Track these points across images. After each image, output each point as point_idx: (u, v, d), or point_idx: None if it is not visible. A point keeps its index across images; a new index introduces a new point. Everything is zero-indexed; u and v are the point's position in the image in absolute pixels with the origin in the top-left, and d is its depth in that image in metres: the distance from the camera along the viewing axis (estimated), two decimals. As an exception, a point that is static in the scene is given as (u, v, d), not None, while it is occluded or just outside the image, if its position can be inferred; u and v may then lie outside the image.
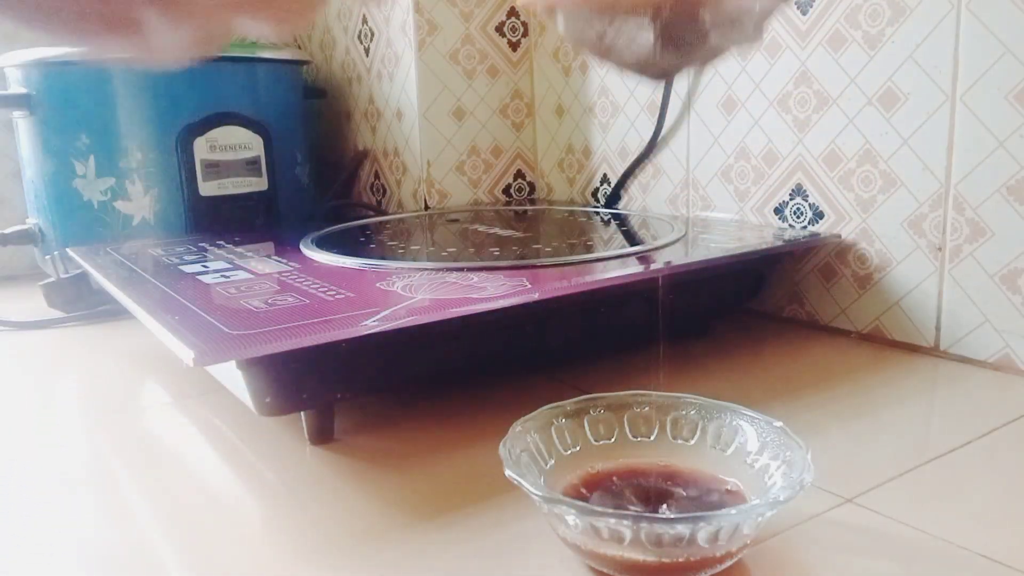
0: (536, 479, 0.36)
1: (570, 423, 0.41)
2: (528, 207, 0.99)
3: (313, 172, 1.04)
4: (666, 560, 0.32)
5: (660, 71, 0.28)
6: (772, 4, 0.27)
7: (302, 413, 0.49)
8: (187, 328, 0.45)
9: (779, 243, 0.66)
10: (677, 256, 0.61)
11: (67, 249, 0.77)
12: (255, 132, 0.93)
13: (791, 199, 0.71)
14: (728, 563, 0.34)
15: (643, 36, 0.26)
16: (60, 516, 0.43)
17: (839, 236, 0.68)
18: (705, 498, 0.38)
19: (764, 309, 0.75)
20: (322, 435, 0.50)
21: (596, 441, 0.41)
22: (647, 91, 0.84)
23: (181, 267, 0.64)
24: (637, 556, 0.33)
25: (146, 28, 0.16)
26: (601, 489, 0.39)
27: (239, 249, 0.71)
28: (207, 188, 0.90)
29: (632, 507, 0.37)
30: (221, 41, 0.18)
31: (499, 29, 0.99)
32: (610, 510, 0.33)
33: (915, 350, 0.64)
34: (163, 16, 0.16)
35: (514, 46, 1.00)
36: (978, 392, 0.55)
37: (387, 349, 0.49)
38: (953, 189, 0.59)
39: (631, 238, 0.75)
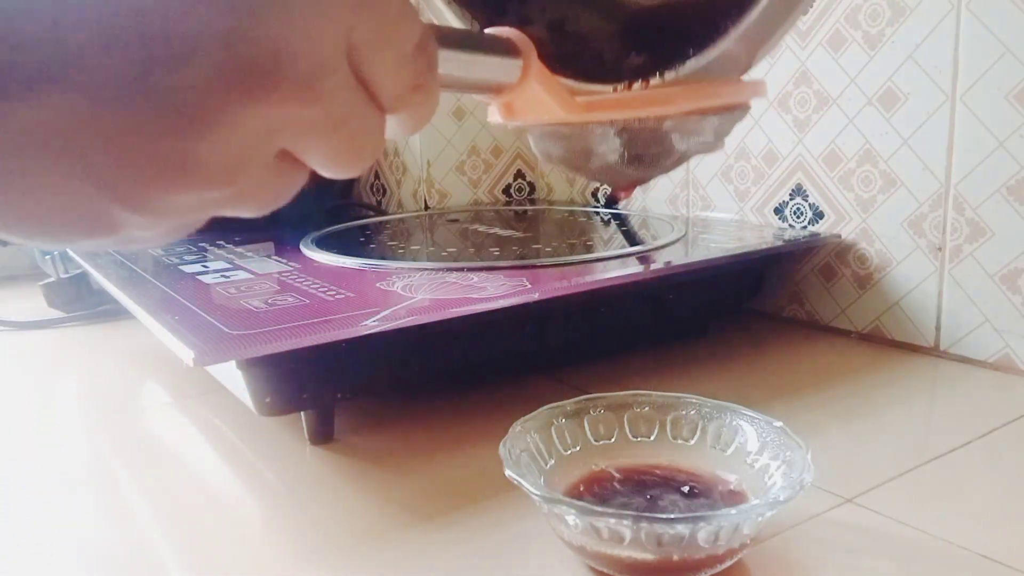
0: (536, 479, 0.36)
1: (570, 423, 0.41)
2: (528, 207, 0.99)
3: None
4: (666, 560, 0.32)
5: (629, 182, 0.30)
6: (734, 117, 0.28)
7: (302, 413, 0.49)
8: (187, 328, 0.45)
9: (779, 243, 0.66)
10: (677, 256, 0.61)
11: (67, 249, 0.77)
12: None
13: (791, 199, 0.71)
14: (728, 563, 0.34)
15: (610, 152, 0.28)
16: (60, 516, 0.43)
17: (839, 236, 0.68)
18: (705, 498, 0.38)
19: (764, 309, 0.75)
20: (322, 435, 0.50)
21: (596, 441, 0.41)
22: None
23: (181, 267, 0.64)
24: (637, 556, 0.33)
25: (124, 229, 0.17)
26: (601, 488, 0.39)
27: (239, 249, 0.71)
28: (207, 188, 0.89)
29: (632, 507, 0.37)
30: (198, 226, 0.19)
31: (499, 29, 0.99)
32: (610, 510, 0.33)
33: (915, 350, 0.64)
34: (141, 219, 0.16)
35: (514, 46, 1.00)
36: (978, 392, 0.55)
37: (387, 349, 0.49)
38: (953, 189, 0.60)
39: (631, 238, 0.75)
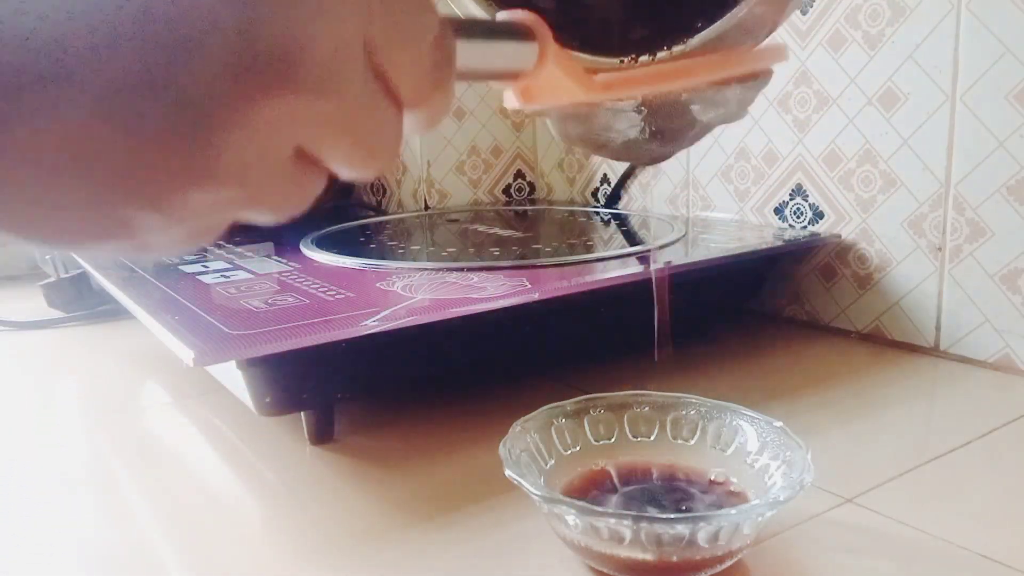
0: (536, 479, 0.36)
1: (570, 423, 0.41)
2: (528, 207, 0.99)
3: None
4: (666, 560, 0.32)
5: (652, 158, 0.29)
6: (756, 85, 0.28)
7: (302, 413, 0.49)
8: (187, 328, 0.45)
9: (779, 243, 0.66)
10: (677, 256, 0.61)
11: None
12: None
13: (791, 199, 0.71)
14: (728, 563, 0.34)
15: (631, 130, 0.27)
16: (60, 516, 0.43)
17: (839, 236, 0.68)
18: (705, 498, 0.38)
19: (764, 309, 0.75)
20: (322, 435, 0.50)
21: (596, 441, 0.41)
22: (647, 91, 0.84)
23: (181, 267, 0.64)
24: (637, 556, 0.33)
25: (139, 232, 0.16)
26: (601, 488, 0.39)
27: (239, 249, 0.71)
28: (207, 188, 0.89)
29: (632, 507, 0.37)
30: (217, 233, 0.18)
31: (499, 29, 0.99)
32: (610, 510, 0.33)
33: (915, 350, 0.64)
34: (157, 219, 0.16)
35: (514, 46, 1.00)
36: (978, 392, 0.55)
37: (387, 349, 0.49)
38: (953, 189, 0.60)
39: (631, 238, 0.75)
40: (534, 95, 0.26)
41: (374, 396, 0.56)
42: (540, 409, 0.41)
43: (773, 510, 0.33)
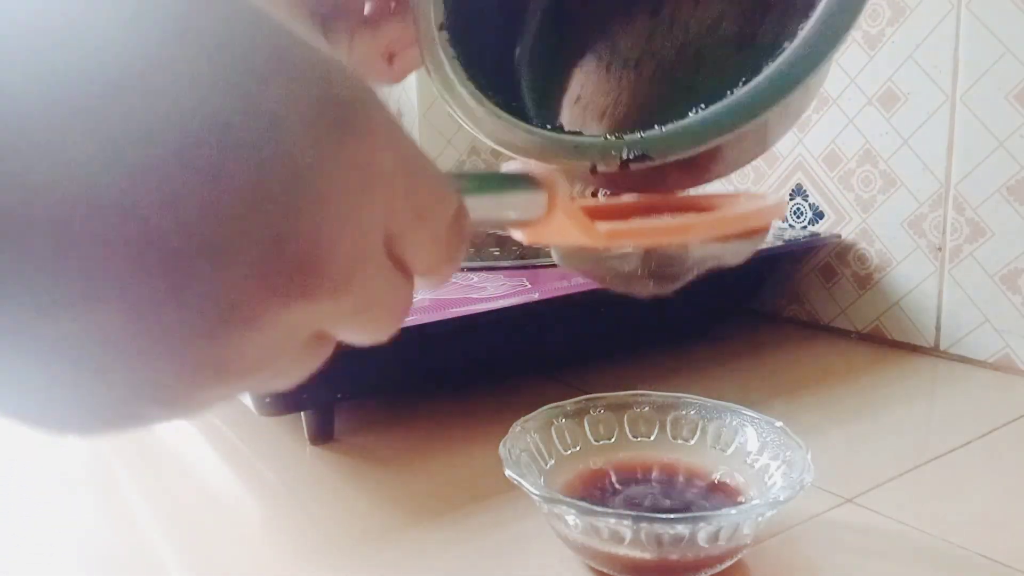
0: (536, 479, 0.36)
1: (570, 423, 0.41)
2: (528, 207, 0.99)
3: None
4: (666, 560, 0.32)
5: (650, 293, 0.31)
6: (754, 242, 0.30)
7: (302, 413, 0.49)
8: (187, 328, 0.45)
9: (779, 243, 0.66)
10: (677, 256, 0.61)
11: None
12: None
13: (791, 199, 0.71)
14: (728, 563, 0.34)
15: (631, 269, 0.29)
16: (60, 516, 0.43)
17: (839, 236, 0.68)
18: (705, 498, 0.38)
19: (764, 309, 0.75)
20: (322, 435, 0.50)
21: (596, 441, 0.41)
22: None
23: (181, 267, 0.64)
24: (637, 556, 0.33)
25: (145, 423, 0.16)
26: (601, 488, 0.39)
27: (239, 249, 0.71)
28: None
29: (632, 506, 0.37)
30: (214, 407, 0.18)
31: (499, 29, 0.99)
32: (610, 510, 0.33)
33: (915, 350, 0.64)
34: (167, 414, 0.16)
35: (514, 46, 1.00)
36: (978, 392, 0.55)
37: (387, 349, 0.48)
38: (953, 189, 0.60)
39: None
40: (540, 236, 0.27)
41: (374, 396, 0.56)
42: (540, 409, 0.41)
43: (773, 510, 0.33)
